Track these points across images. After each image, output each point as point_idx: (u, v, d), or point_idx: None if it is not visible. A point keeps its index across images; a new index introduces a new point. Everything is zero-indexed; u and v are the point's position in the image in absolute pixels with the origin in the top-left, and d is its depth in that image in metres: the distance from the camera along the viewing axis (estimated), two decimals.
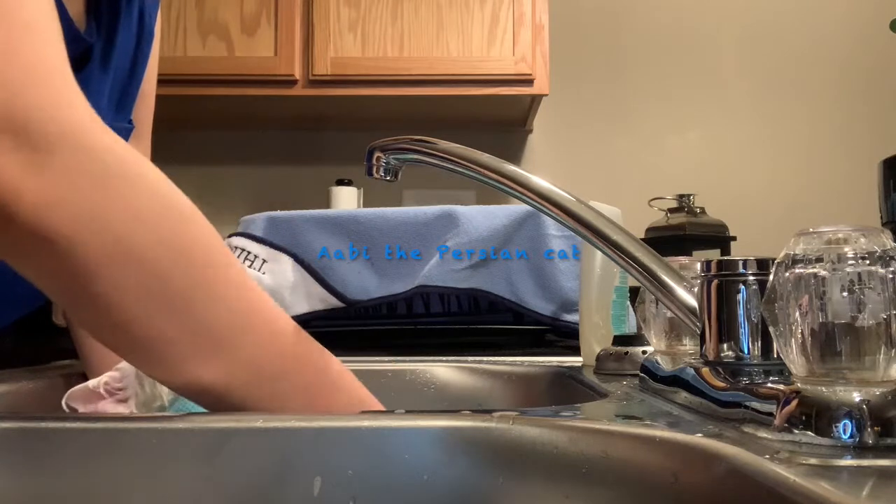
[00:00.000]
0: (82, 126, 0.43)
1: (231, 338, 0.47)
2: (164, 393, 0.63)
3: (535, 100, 2.24)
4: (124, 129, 0.83)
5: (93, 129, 0.44)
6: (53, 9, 0.47)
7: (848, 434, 0.35)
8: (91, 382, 0.63)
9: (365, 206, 2.26)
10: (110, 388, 0.62)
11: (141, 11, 0.82)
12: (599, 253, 0.78)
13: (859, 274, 0.37)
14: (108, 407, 0.61)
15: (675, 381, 0.52)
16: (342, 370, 0.55)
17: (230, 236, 1.19)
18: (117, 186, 0.43)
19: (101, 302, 0.43)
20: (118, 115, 0.81)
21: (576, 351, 0.88)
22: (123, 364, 0.64)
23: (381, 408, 0.56)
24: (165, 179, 0.47)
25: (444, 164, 0.64)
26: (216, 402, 0.48)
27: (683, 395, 0.50)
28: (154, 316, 0.44)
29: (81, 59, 0.72)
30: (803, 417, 0.36)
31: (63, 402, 0.62)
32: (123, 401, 0.62)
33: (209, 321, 0.46)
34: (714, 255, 2.13)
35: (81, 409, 0.61)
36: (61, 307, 0.46)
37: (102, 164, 0.43)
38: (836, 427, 0.35)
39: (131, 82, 0.83)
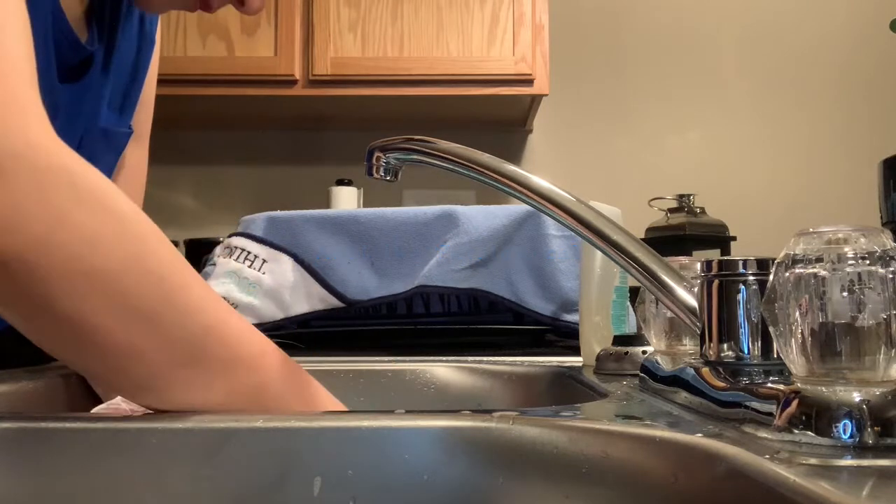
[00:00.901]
0: (35, 147, 0.43)
1: (203, 348, 0.47)
2: None
3: (535, 100, 2.24)
4: (124, 134, 0.83)
5: (48, 148, 0.43)
6: (24, 28, 0.46)
7: (848, 434, 0.35)
8: (111, 402, 0.63)
9: (365, 206, 2.26)
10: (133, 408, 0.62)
11: (142, 17, 0.82)
12: (599, 253, 0.78)
13: (859, 274, 0.37)
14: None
15: (675, 381, 0.52)
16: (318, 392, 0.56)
17: (230, 236, 1.19)
18: (70, 207, 0.42)
19: (62, 321, 0.43)
20: (120, 120, 0.81)
21: (576, 351, 0.88)
22: None
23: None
24: (127, 201, 0.46)
25: (444, 164, 0.64)
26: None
27: (683, 395, 0.50)
28: (120, 329, 0.44)
29: (82, 65, 0.72)
30: (803, 417, 0.36)
31: None
32: None
33: (179, 336, 0.46)
34: (714, 255, 2.13)
35: None
36: (29, 337, 0.45)
37: (55, 185, 0.42)
38: (836, 427, 0.35)
39: (132, 87, 0.83)
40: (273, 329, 1.10)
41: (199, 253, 2.09)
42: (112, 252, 0.43)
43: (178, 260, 0.47)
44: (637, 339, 0.74)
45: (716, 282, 0.50)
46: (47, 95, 0.67)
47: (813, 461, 0.33)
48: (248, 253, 1.15)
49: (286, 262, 1.14)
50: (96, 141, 0.77)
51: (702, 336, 0.51)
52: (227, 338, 0.48)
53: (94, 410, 0.62)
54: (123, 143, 0.83)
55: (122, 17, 0.78)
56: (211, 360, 0.47)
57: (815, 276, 0.38)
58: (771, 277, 0.40)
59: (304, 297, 1.13)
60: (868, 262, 0.37)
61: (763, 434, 0.38)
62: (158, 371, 0.46)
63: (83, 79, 0.73)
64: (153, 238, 0.46)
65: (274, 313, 1.13)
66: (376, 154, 0.67)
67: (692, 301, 0.53)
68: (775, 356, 0.47)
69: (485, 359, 0.90)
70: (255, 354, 0.50)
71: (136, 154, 0.88)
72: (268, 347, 0.52)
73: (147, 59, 0.85)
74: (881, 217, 1.35)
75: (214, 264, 1.16)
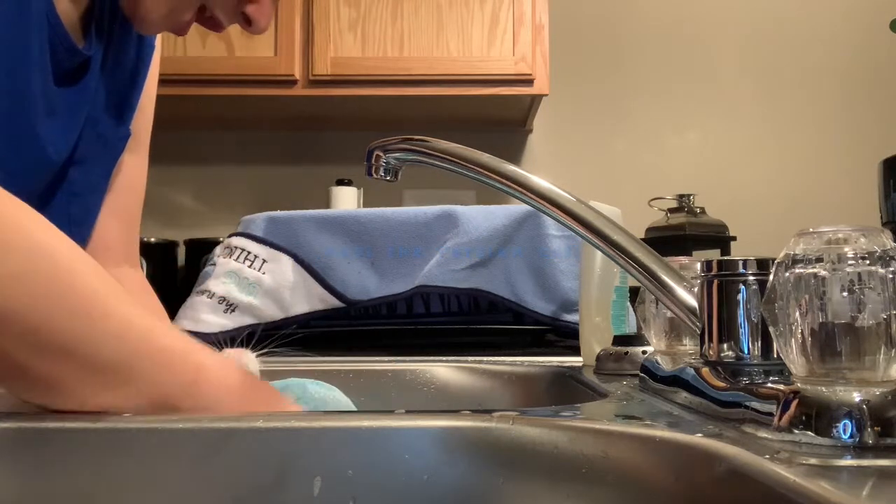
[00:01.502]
0: None
1: (123, 371, 0.48)
2: None
3: (535, 100, 2.24)
4: (122, 139, 0.83)
5: None
6: None
7: (848, 434, 0.35)
8: None
9: (365, 206, 2.26)
10: None
11: None
12: (599, 253, 0.78)
13: (859, 274, 0.37)
14: None
15: (675, 381, 0.52)
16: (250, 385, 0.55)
17: (230, 236, 1.19)
18: None
19: None
20: (118, 125, 0.81)
21: (576, 351, 0.88)
22: None
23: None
24: (37, 231, 0.47)
25: (444, 164, 0.64)
26: None
27: (683, 395, 0.50)
28: (36, 364, 0.45)
29: (79, 69, 0.72)
30: (803, 417, 0.36)
31: None
32: None
33: (94, 359, 0.47)
34: (714, 255, 2.13)
35: None
36: None
37: None
38: (836, 427, 0.35)
39: (131, 92, 0.83)
40: (273, 329, 1.10)
41: (199, 253, 2.09)
42: (15, 291, 0.44)
43: (91, 286, 0.48)
44: (637, 339, 0.74)
45: (716, 282, 0.50)
46: (43, 98, 0.67)
47: (813, 461, 0.33)
48: (248, 253, 1.15)
49: (286, 262, 1.14)
50: (92, 145, 0.77)
51: (702, 336, 0.51)
52: (154, 361, 0.49)
53: None
54: (120, 148, 0.83)
55: (121, 22, 0.77)
56: (140, 382, 0.48)
57: (815, 276, 0.38)
58: (771, 277, 0.40)
59: (304, 297, 1.13)
60: (868, 262, 0.37)
61: (763, 434, 0.38)
62: (84, 399, 0.47)
63: (80, 82, 0.73)
64: (65, 269, 0.47)
65: (274, 313, 1.13)
66: (376, 154, 0.67)
67: (692, 301, 0.53)
68: (775, 356, 0.47)
69: (485, 359, 0.90)
70: (188, 372, 0.50)
71: (134, 159, 0.88)
72: (205, 362, 0.52)
73: (146, 64, 0.85)
74: (881, 217, 1.35)
75: (214, 264, 1.16)
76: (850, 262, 0.38)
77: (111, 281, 0.49)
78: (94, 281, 0.48)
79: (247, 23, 0.73)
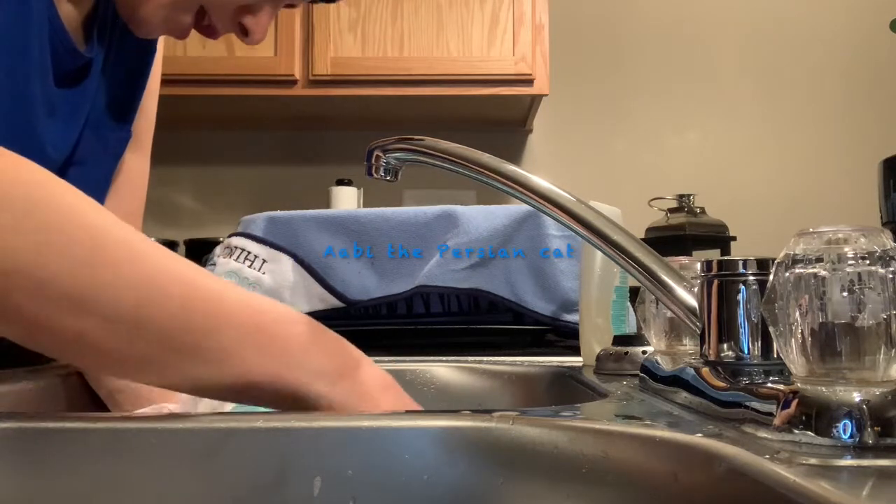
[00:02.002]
0: None
1: (138, 326, 0.46)
2: None
3: (535, 100, 2.24)
4: (122, 140, 0.83)
5: None
6: None
7: (848, 434, 0.35)
8: (150, 409, 0.63)
9: (365, 206, 2.26)
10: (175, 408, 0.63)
11: None
12: (599, 253, 0.78)
13: (859, 274, 0.37)
14: None
15: (675, 381, 0.52)
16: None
17: (230, 236, 1.19)
18: None
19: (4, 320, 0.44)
20: (119, 126, 0.82)
21: (576, 351, 0.88)
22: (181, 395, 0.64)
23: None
24: (39, 183, 0.46)
25: (444, 164, 0.64)
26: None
27: (683, 395, 0.50)
28: (55, 318, 0.44)
29: (80, 71, 0.73)
30: (803, 417, 0.36)
31: None
32: None
33: (113, 315, 0.45)
34: (714, 255, 2.13)
35: None
36: None
37: None
38: (836, 427, 0.35)
39: (133, 94, 0.84)
40: None
41: (199, 253, 2.09)
42: (19, 245, 0.43)
43: (102, 236, 0.46)
44: (637, 339, 0.74)
45: (716, 282, 0.50)
46: (43, 98, 0.67)
47: (813, 461, 0.33)
48: (248, 253, 1.15)
49: (286, 262, 1.14)
50: (93, 146, 0.77)
51: (702, 336, 0.51)
52: (171, 309, 0.47)
53: (139, 412, 0.63)
54: (121, 149, 0.83)
55: (123, 25, 0.78)
56: (152, 335, 0.46)
57: (815, 276, 0.38)
58: (771, 277, 0.40)
59: (304, 297, 1.13)
60: (868, 262, 0.37)
61: (763, 434, 0.38)
62: (111, 354, 0.46)
63: (81, 84, 0.73)
64: (69, 219, 0.45)
65: None
66: (376, 154, 0.67)
67: (692, 301, 0.53)
68: (775, 356, 0.47)
69: (485, 359, 0.90)
70: (217, 322, 0.48)
71: (135, 160, 0.88)
72: (236, 307, 0.50)
73: (148, 65, 0.85)
74: (881, 217, 1.35)
75: (214, 264, 1.16)
76: (850, 262, 0.38)
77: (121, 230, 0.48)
78: (94, 229, 0.46)
79: (243, 33, 0.74)
